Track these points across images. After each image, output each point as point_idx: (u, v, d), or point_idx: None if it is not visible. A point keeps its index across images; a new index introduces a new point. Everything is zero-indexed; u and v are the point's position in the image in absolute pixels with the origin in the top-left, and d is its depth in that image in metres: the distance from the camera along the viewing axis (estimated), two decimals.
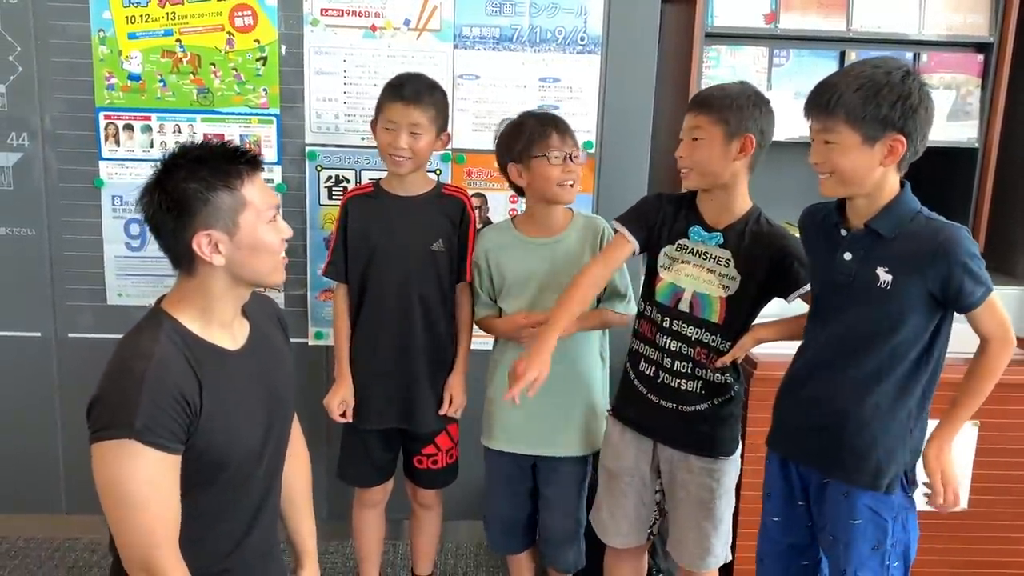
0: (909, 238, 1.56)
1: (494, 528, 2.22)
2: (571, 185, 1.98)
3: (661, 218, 1.90)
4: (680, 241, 1.88)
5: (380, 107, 2.08)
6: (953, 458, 1.61)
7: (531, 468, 2.13)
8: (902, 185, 1.60)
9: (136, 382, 1.29)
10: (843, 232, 1.63)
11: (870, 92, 1.50)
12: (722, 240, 1.84)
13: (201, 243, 1.37)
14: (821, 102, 1.54)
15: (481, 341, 2.28)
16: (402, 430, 2.20)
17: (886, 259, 1.57)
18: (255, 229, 1.41)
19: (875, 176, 1.55)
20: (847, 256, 1.61)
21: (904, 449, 1.63)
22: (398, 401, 2.15)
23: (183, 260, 1.40)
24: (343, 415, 2.15)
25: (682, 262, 1.87)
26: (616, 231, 1.91)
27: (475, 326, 2.21)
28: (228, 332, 1.47)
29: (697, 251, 1.86)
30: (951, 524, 2.29)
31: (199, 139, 2.44)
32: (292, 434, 1.68)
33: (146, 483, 1.29)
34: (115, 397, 1.31)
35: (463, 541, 2.80)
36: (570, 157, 1.96)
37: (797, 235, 1.83)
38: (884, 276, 1.56)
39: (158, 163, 1.40)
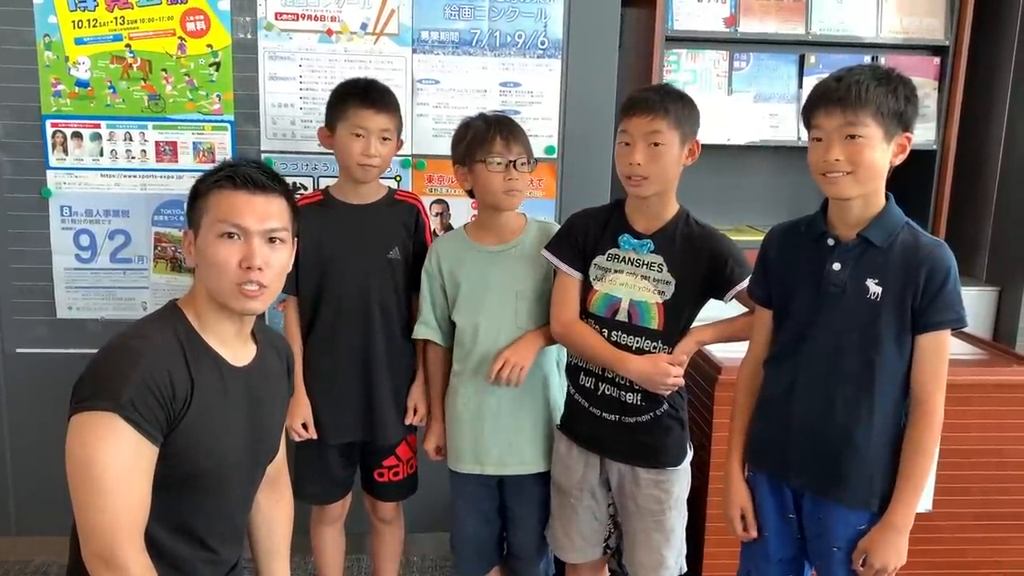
0: (899, 249, 1.53)
1: (465, 551, 2.13)
2: (517, 192, 1.92)
3: (586, 234, 1.88)
4: (610, 251, 1.85)
5: (342, 113, 2.00)
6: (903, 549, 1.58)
7: (497, 486, 2.07)
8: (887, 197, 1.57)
9: (132, 359, 1.29)
10: (830, 242, 1.58)
11: (889, 87, 1.47)
12: (653, 246, 1.81)
13: (184, 239, 1.44)
14: (850, 95, 1.46)
15: None
16: (362, 443, 2.15)
17: (877, 270, 1.53)
18: (205, 238, 1.39)
19: (884, 176, 1.51)
20: (836, 266, 1.56)
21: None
22: (360, 413, 2.10)
23: None
24: (306, 428, 2.08)
25: (615, 271, 1.84)
26: (557, 269, 1.90)
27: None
28: (227, 347, 1.45)
29: (629, 259, 1.83)
30: (913, 525, 2.30)
31: (151, 147, 2.40)
32: (279, 479, 1.66)
33: (118, 465, 1.25)
34: (107, 369, 1.29)
35: (428, 553, 2.76)
36: (514, 164, 1.90)
37: (727, 235, 1.84)
38: (874, 288, 1.53)
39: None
